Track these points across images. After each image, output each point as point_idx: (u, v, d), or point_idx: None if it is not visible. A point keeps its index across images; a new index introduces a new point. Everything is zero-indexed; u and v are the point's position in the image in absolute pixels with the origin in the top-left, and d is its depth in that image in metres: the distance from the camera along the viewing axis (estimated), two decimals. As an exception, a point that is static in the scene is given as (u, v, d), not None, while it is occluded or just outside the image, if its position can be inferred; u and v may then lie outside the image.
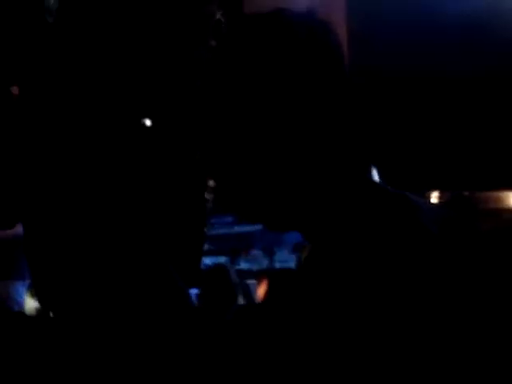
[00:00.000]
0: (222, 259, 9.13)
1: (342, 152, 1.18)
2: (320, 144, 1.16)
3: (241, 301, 6.15)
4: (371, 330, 1.04)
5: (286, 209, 1.19)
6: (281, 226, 1.24)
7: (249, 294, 7.43)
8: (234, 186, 1.20)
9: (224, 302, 3.11)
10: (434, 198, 8.46)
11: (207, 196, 1.01)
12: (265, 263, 9.10)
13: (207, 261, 8.09)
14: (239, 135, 1.17)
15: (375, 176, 3.25)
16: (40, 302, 0.99)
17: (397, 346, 1.04)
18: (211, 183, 1.12)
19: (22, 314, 1.05)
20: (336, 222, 1.18)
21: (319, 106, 1.16)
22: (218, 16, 6.01)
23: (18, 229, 5.77)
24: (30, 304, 4.68)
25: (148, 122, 0.97)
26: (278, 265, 8.74)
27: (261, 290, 7.51)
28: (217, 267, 3.38)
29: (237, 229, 9.09)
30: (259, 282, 7.83)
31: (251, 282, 8.10)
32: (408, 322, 1.04)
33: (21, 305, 5.36)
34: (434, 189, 8.50)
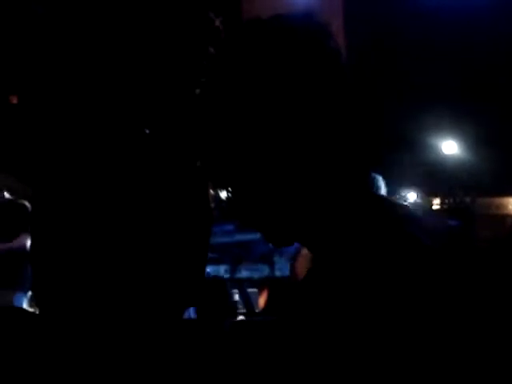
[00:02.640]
0: (223, 267, 9.13)
1: (340, 161, 1.16)
2: (317, 152, 1.15)
3: (240, 312, 6.13)
4: (366, 340, 1.03)
5: (282, 220, 1.18)
6: (277, 238, 1.22)
7: (250, 302, 7.42)
8: (233, 196, 1.19)
9: (223, 314, 3.10)
10: (437, 204, 8.48)
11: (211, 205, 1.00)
12: (266, 271, 9.09)
13: (208, 269, 8.10)
14: (239, 143, 1.15)
15: (381, 184, 3.22)
16: (40, 310, 0.98)
17: (393, 362, 1.02)
18: (212, 192, 1.11)
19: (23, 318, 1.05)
20: (329, 234, 1.17)
21: (319, 113, 1.14)
22: (217, 23, 6.05)
23: (21, 240, 5.80)
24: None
25: (147, 130, 0.97)
26: (278, 273, 8.72)
27: (262, 299, 7.50)
28: (214, 279, 3.36)
29: (237, 237, 9.07)
30: (260, 290, 7.82)
31: (252, 290, 8.08)
32: (400, 333, 1.03)
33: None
34: (437, 196, 8.52)
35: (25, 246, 5.84)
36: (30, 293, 5.89)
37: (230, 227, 8.39)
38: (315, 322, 1.11)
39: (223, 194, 1.18)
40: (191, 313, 3.68)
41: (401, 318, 1.03)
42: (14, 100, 5.78)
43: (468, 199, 8.23)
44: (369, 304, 1.05)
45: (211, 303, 3.04)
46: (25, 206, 5.82)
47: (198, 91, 1.15)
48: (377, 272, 1.06)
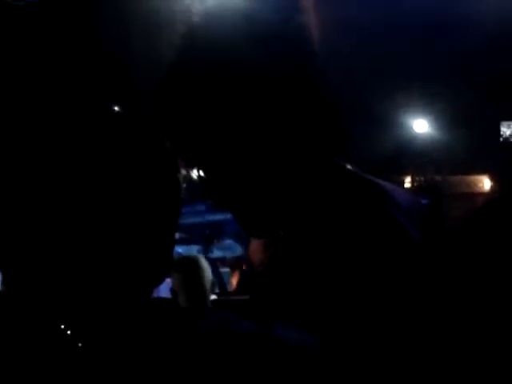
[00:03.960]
0: (195, 248, 9.14)
1: (310, 139, 1.16)
2: (288, 132, 1.15)
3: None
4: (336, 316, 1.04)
5: (254, 200, 1.17)
6: (249, 221, 1.21)
7: (222, 282, 7.45)
8: (205, 176, 1.19)
9: (200, 293, 3.11)
10: (408, 182, 8.60)
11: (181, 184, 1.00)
12: (238, 251, 9.12)
13: (179, 249, 8.09)
14: (210, 123, 1.15)
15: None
16: (8, 290, 0.95)
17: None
18: (183, 172, 1.10)
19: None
20: (303, 212, 1.16)
21: (285, 93, 1.14)
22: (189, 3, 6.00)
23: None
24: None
25: (115, 107, 0.95)
26: (251, 252, 8.76)
27: (234, 279, 7.53)
28: (188, 257, 3.37)
29: (209, 217, 9.08)
30: (233, 270, 7.85)
31: (224, 270, 8.12)
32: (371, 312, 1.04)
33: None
34: (408, 174, 8.63)
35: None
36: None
37: (202, 207, 8.41)
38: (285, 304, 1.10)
39: (195, 174, 1.18)
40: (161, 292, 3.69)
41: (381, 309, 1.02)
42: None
43: (438, 177, 8.33)
44: (348, 294, 1.04)
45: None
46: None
47: (167, 68, 1.15)
48: (357, 259, 1.06)
